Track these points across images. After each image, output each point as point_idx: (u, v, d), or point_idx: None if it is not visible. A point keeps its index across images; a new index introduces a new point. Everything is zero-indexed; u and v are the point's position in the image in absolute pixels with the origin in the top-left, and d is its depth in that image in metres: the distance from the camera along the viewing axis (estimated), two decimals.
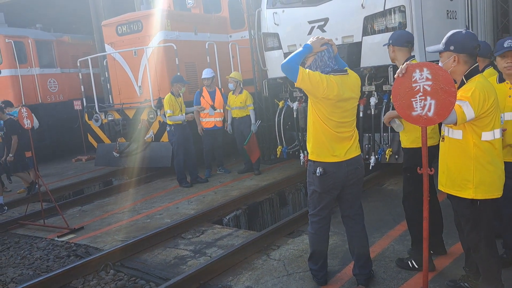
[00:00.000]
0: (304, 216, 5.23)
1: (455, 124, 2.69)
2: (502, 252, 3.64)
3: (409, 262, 3.83)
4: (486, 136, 2.76)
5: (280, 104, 8.13)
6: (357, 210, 3.48)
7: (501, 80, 3.27)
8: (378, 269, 3.86)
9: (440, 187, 3.04)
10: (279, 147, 8.37)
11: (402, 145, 3.85)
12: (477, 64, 2.86)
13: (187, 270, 4.21)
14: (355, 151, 3.35)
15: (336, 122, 3.26)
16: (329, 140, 3.28)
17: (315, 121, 3.30)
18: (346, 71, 3.32)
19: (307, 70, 3.18)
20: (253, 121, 8.12)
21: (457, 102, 2.64)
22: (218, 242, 5.06)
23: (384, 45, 3.75)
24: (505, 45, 3.32)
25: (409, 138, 3.70)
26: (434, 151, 3.32)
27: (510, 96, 3.25)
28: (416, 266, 3.73)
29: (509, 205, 3.48)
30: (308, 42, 3.27)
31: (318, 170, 3.31)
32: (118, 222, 6.16)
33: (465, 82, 2.82)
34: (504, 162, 3.20)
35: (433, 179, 3.45)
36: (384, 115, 3.97)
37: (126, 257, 4.81)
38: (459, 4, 6.48)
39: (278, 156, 8.54)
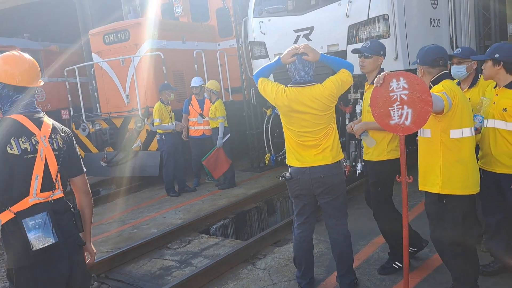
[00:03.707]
0: (290, 224, 5.23)
1: (442, 112, 2.78)
2: (490, 262, 3.65)
3: (393, 265, 3.84)
4: (455, 134, 2.87)
5: (268, 112, 8.16)
6: (337, 221, 3.46)
7: (495, 85, 3.35)
8: (362, 277, 3.86)
9: (419, 187, 3.11)
10: (267, 154, 8.39)
11: (367, 158, 3.79)
12: (444, 72, 3.01)
13: (172, 281, 4.17)
14: (323, 160, 3.31)
15: (296, 131, 3.32)
16: (294, 146, 3.39)
17: (283, 127, 3.44)
18: (310, 83, 3.26)
19: (266, 81, 3.37)
20: (220, 134, 7.54)
21: (436, 94, 2.74)
22: (204, 252, 5.02)
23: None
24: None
25: (377, 150, 3.71)
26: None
27: (494, 103, 3.28)
28: (402, 266, 3.70)
29: (494, 211, 3.49)
30: (283, 54, 3.33)
31: (284, 174, 3.43)
32: (104, 233, 6.10)
33: (431, 87, 2.97)
34: (488, 171, 3.28)
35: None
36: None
37: (110, 268, 4.76)
38: (442, 13, 6.57)
39: (266, 163, 8.57)
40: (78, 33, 13.14)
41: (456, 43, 6.72)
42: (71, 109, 9.52)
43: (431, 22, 6.41)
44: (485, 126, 3.30)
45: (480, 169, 3.22)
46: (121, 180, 8.99)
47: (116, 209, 7.33)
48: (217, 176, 7.60)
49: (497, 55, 3.16)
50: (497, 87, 3.28)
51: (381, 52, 3.69)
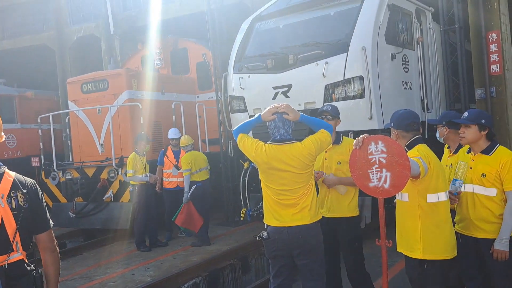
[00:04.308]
0: (265, 285, 5.04)
1: (418, 176, 2.80)
2: None
3: None
4: (431, 198, 2.91)
5: (245, 165, 8.09)
6: (315, 284, 3.35)
7: (469, 150, 3.35)
8: None
9: (398, 249, 3.11)
10: (243, 209, 8.22)
11: (340, 215, 3.90)
12: (418, 136, 3.11)
13: None
14: (301, 220, 3.23)
15: (275, 189, 3.27)
16: (272, 204, 3.31)
17: (262, 185, 3.38)
18: (289, 141, 3.26)
19: (246, 137, 3.36)
20: (186, 189, 7.27)
21: (412, 159, 2.78)
22: None
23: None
24: (461, 117, 3.38)
25: (351, 205, 3.89)
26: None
27: (471, 168, 3.28)
28: None
29: (473, 276, 3.44)
30: (263, 112, 3.35)
31: (261, 234, 3.32)
32: None
33: (407, 150, 3.00)
34: (467, 236, 3.26)
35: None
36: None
37: None
38: (413, 76, 6.88)
39: (242, 218, 8.37)
40: (55, 80, 13.12)
41: (427, 105, 7.01)
42: (42, 156, 9.25)
43: (403, 84, 6.69)
44: (463, 190, 3.30)
45: (458, 233, 3.23)
46: (89, 233, 8.62)
47: (83, 264, 6.95)
48: (197, 229, 7.25)
49: (483, 121, 3.19)
50: (472, 153, 3.30)
51: (339, 116, 4.03)
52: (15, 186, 2.21)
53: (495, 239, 3.13)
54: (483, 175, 3.17)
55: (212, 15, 9.14)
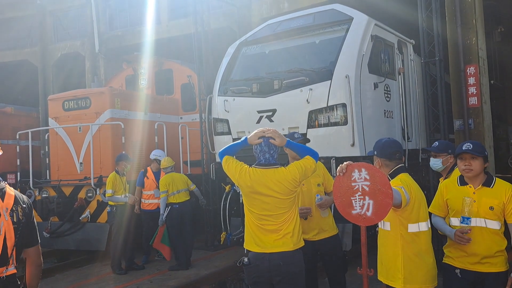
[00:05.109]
0: None
1: (400, 206, 2.82)
2: None
3: None
4: (412, 228, 2.94)
5: (227, 188, 8.04)
6: None
7: (462, 183, 3.23)
8: None
9: (378, 277, 3.11)
10: (223, 233, 8.12)
11: (329, 234, 4.24)
12: (401, 165, 3.15)
13: None
14: (283, 247, 3.18)
15: (257, 214, 3.24)
16: (254, 229, 3.28)
17: (245, 209, 3.35)
18: (274, 165, 3.25)
19: (231, 160, 3.36)
20: (161, 211, 7.19)
21: (395, 188, 2.79)
22: None
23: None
24: (464, 147, 3.19)
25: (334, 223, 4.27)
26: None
27: (474, 201, 3.14)
28: None
29: None
30: (250, 135, 3.35)
31: (242, 259, 3.27)
32: None
33: (390, 179, 3.01)
34: (469, 271, 3.15)
35: None
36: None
37: None
38: (395, 106, 7.03)
39: (221, 242, 8.26)
40: (36, 96, 12.93)
41: (407, 133, 7.14)
42: (18, 174, 9.01)
43: (385, 113, 6.82)
44: (470, 225, 3.13)
45: (456, 268, 3.16)
46: (63, 253, 8.35)
47: (55, 286, 6.69)
48: (168, 256, 7.19)
49: (486, 153, 3.17)
50: (471, 185, 3.17)
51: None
52: (16, 201, 2.32)
53: (501, 272, 3.07)
54: (491, 208, 3.06)
55: (198, 38, 9.22)
